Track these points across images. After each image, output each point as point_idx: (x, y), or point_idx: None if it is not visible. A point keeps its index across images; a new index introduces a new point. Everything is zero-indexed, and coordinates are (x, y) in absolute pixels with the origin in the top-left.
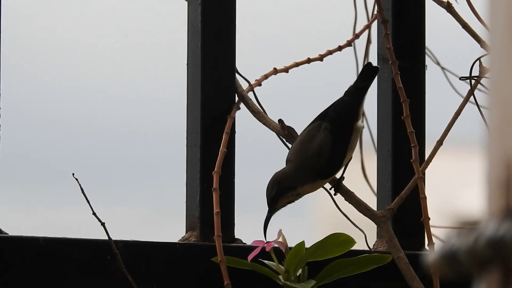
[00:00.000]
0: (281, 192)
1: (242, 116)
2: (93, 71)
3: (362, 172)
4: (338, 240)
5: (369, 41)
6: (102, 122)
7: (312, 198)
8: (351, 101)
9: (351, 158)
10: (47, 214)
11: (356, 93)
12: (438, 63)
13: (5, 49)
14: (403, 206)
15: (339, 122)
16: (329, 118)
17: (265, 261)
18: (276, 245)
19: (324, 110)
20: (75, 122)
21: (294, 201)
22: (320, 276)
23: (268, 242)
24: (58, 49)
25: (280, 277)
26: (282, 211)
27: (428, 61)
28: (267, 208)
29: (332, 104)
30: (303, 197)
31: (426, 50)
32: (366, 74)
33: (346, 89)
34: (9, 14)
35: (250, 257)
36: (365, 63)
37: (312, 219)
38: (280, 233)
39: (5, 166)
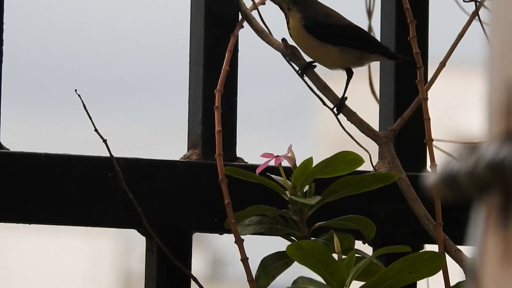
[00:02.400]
0: None
1: (245, 35)
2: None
3: (370, 89)
4: (347, 159)
5: None
6: (106, 40)
7: (315, 118)
8: (382, 46)
9: (351, 73)
10: (49, 130)
11: (385, 50)
12: None
13: None
14: (405, 128)
15: (361, 35)
16: (360, 28)
17: (273, 176)
18: (284, 160)
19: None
20: (79, 38)
21: (283, 10)
22: (326, 193)
23: (277, 156)
24: None
25: (287, 192)
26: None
27: None
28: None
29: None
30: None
31: None
32: (403, 60)
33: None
34: None
35: (258, 170)
36: None
37: (315, 139)
38: (290, 148)
39: (7, 81)
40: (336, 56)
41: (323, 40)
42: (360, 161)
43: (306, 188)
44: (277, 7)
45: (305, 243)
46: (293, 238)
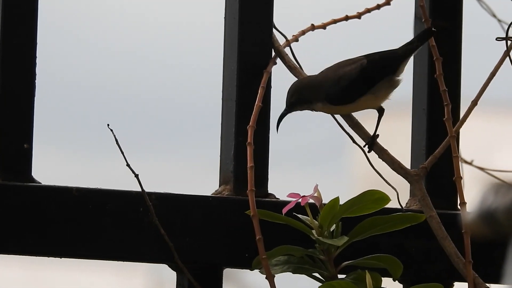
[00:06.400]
0: (299, 102)
1: (278, 71)
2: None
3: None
4: (373, 197)
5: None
6: (140, 75)
7: (348, 156)
8: (398, 53)
9: (382, 110)
10: (81, 165)
11: (407, 48)
12: (494, 15)
13: None
14: (437, 166)
15: (377, 64)
16: (371, 58)
17: (299, 215)
18: (311, 200)
19: (374, 52)
20: (110, 74)
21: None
22: (353, 233)
23: (304, 196)
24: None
25: (314, 232)
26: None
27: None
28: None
29: (384, 50)
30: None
31: (481, 2)
32: (424, 36)
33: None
34: None
35: (285, 210)
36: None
37: (348, 177)
38: (316, 188)
39: (40, 116)
40: (372, 99)
41: (354, 100)
42: (386, 199)
43: (333, 227)
44: (308, 43)
45: (336, 284)
46: (320, 277)
